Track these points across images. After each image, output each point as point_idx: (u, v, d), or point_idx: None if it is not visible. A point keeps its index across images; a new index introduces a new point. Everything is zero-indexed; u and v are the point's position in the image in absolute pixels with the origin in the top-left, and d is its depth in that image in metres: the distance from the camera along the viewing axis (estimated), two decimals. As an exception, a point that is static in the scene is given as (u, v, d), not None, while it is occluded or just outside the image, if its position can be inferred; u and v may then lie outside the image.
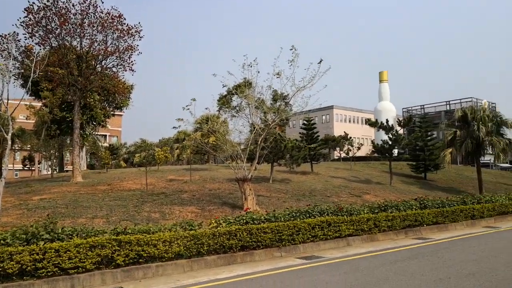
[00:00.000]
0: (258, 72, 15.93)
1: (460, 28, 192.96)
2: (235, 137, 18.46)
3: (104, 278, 8.45)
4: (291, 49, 15.76)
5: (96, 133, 39.57)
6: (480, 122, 25.98)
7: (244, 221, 11.27)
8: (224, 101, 17.39)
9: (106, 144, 54.54)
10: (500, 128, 27.00)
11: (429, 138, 32.75)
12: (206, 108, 17.39)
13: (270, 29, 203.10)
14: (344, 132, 47.90)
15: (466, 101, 58.85)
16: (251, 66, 15.79)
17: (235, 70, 16.89)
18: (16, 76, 22.18)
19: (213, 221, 11.31)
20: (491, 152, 27.77)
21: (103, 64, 22.27)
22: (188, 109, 15.87)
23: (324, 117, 74.57)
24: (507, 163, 54.39)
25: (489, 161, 50.60)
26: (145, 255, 9.04)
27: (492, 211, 18.45)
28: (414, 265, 9.43)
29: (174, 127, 30.98)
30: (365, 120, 38.16)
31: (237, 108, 17.97)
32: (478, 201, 18.75)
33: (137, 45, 21.88)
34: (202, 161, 48.51)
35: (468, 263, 9.41)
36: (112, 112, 32.50)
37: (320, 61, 15.43)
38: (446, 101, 66.63)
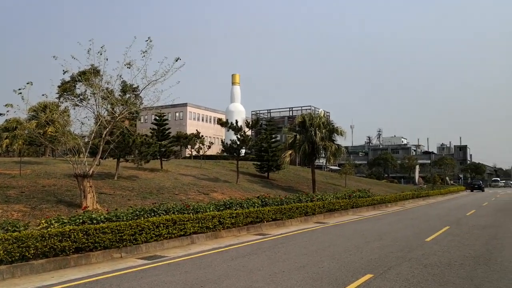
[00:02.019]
0: (107, 59, 14.82)
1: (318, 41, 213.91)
2: (76, 129, 16.83)
3: None
4: (146, 40, 15.10)
5: None
6: (317, 128, 29.04)
7: (81, 220, 10.31)
8: (66, 88, 15.60)
9: None
10: (332, 134, 30.61)
11: (273, 140, 35.19)
12: (43, 95, 15.31)
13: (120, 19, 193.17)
14: (197, 130, 48.29)
15: (306, 109, 65.56)
16: (101, 54, 14.63)
17: (80, 55, 15.33)
18: None
19: (43, 221, 10.05)
20: (324, 156, 31.27)
21: None
22: (21, 93, 13.79)
23: (177, 114, 74.02)
24: (336, 165, 62.18)
25: (322, 164, 57.14)
26: (-51, 264, 7.51)
27: (322, 208, 20.72)
28: (253, 260, 9.89)
29: (1, 114, 26.59)
30: (217, 119, 39.15)
31: (81, 97, 16.35)
32: (311, 199, 20.82)
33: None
34: (38, 153, 43.19)
35: (300, 257, 10.29)
36: None
37: (177, 59, 15.13)
38: (289, 108, 73.32)
